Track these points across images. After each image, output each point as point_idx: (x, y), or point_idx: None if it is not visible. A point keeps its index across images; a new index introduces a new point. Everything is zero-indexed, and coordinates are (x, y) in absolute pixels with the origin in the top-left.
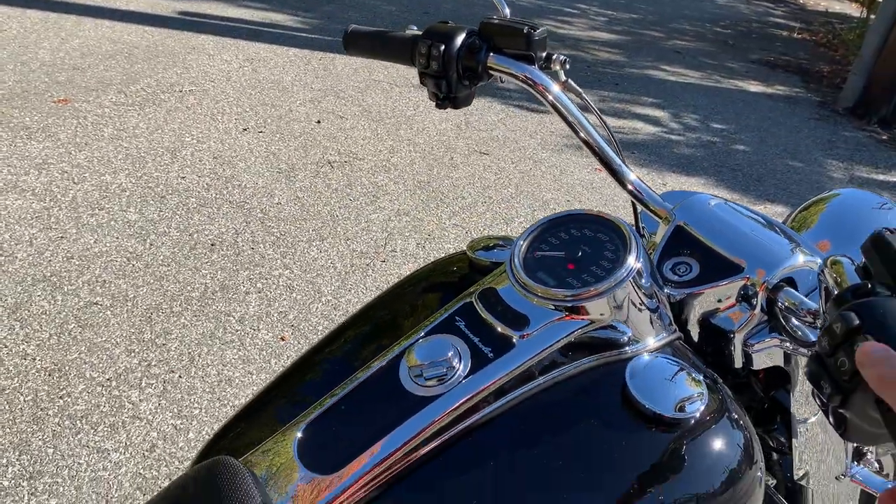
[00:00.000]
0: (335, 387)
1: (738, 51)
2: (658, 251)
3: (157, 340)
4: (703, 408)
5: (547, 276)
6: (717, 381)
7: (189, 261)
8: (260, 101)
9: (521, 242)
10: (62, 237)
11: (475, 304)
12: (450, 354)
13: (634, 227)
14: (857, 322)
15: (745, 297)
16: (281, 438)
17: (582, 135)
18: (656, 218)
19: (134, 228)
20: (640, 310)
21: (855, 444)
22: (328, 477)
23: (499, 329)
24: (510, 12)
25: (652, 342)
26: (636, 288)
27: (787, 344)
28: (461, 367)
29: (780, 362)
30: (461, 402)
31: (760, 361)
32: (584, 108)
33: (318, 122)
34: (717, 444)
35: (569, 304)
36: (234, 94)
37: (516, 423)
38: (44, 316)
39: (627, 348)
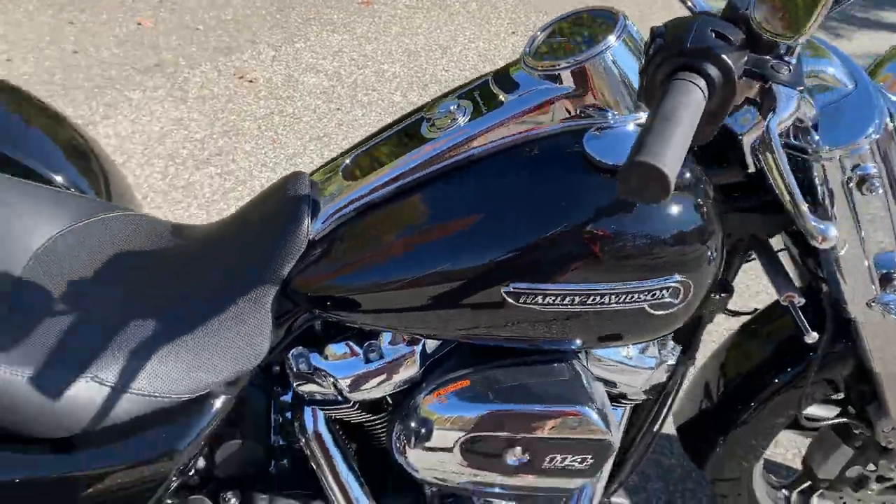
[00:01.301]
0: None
1: None
2: None
3: None
4: None
5: (545, 55)
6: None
7: None
8: (535, 7)
9: (540, 33)
10: (338, 109)
11: (490, 80)
12: (453, 108)
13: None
14: None
15: (753, 102)
16: (338, 162)
17: None
18: None
19: (396, 108)
20: (615, 85)
21: (882, 270)
22: (357, 182)
23: (499, 96)
24: None
25: (624, 115)
26: (614, 66)
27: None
28: (462, 120)
29: None
30: (453, 144)
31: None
32: None
33: None
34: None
35: (549, 73)
36: (513, 2)
37: (493, 162)
38: (311, 164)
39: (598, 118)
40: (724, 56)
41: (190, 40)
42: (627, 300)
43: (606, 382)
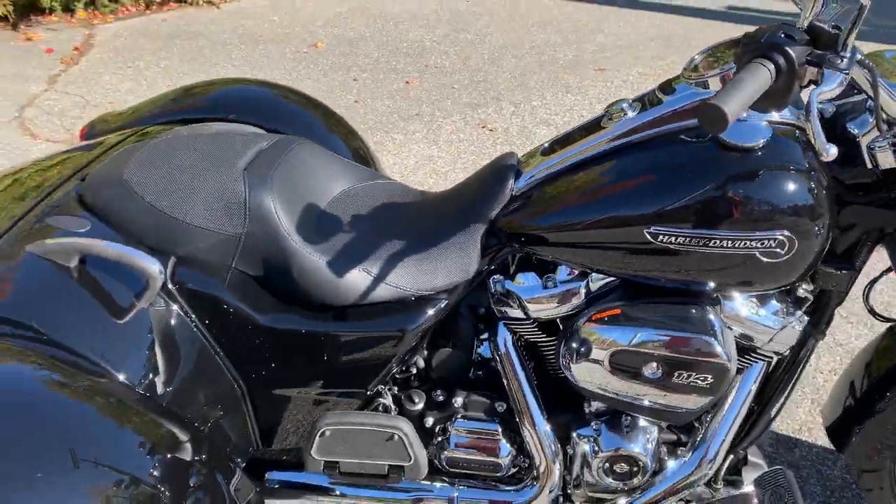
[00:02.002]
0: None
1: None
2: None
3: None
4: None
5: (697, 69)
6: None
7: None
8: None
9: (697, 55)
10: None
11: (656, 88)
12: (625, 107)
13: None
14: None
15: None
16: (539, 147)
17: None
18: None
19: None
20: None
21: None
22: (551, 157)
23: (661, 98)
24: None
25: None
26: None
27: None
28: (631, 114)
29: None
30: (624, 130)
31: (884, 161)
32: None
33: None
34: (784, 173)
35: (699, 81)
36: None
37: (652, 144)
38: None
39: None
40: (787, 48)
41: (446, 96)
42: (744, 245)
43: (738, 335)
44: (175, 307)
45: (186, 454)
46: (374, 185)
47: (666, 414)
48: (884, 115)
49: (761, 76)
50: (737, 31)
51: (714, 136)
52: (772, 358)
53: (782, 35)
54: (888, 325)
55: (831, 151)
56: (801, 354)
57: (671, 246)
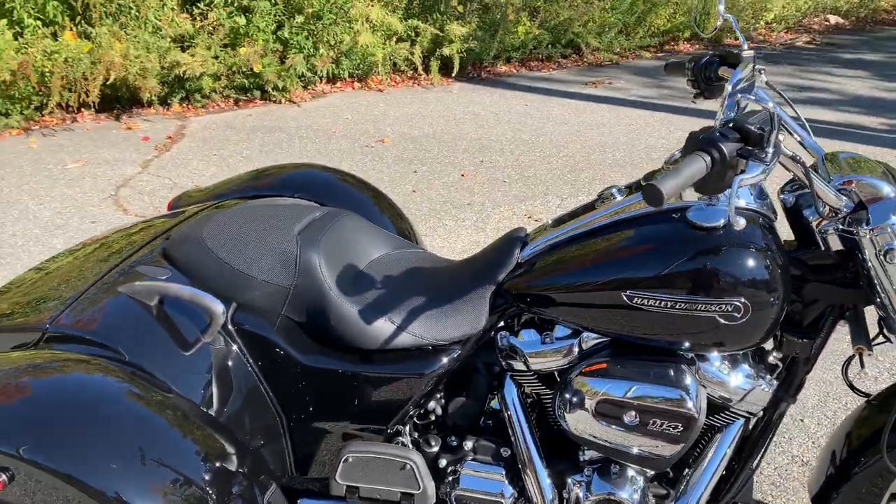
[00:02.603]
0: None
1: None
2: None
3: None
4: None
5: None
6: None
7: None
8: None
9: (677, 152)
10: None
11: (642, 178)
12: (615, 192)
13: None
14: None
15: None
16: (545, 223)
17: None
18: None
19: None
20: None
21: None
22: (552, 231)
23: (642, 183)
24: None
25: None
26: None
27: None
28: (619, 198)
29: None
30: (611, 210)
31: (833, 244)
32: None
33: None
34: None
35: None
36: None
37: (634, 222)
38: None
39: (694, 202)
40: (720, 144)
41: (497, 189)
42: (704, 309)
43: (712, 393)
44: (233, 346)
45: (232, 465)
46: (405, 253)
47: (645, 460)
48: (821, 204)
49: (697, 165)
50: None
51: (684, 217)
52: (747, 417)
53: (718, 133)
54: (865, 399)
55: (740, 222)
56: (774, 416)
57: (644, 307)
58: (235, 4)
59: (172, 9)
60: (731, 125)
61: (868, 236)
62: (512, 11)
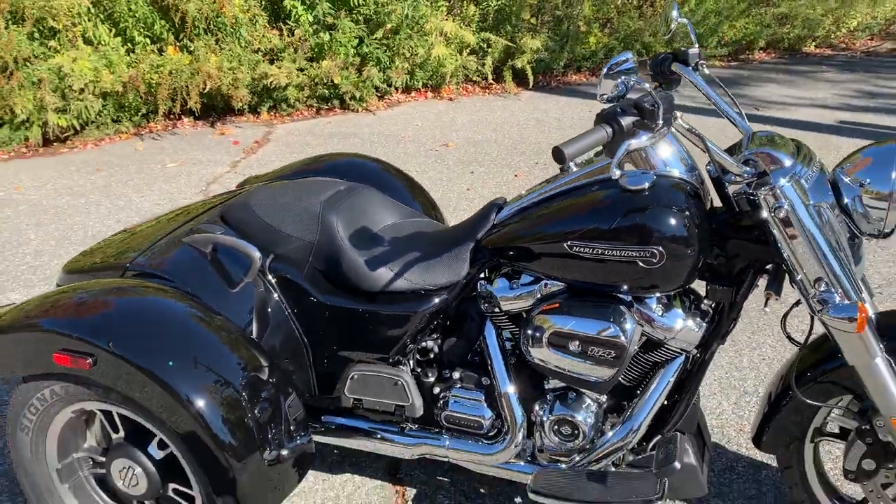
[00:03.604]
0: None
1: None
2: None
3: None
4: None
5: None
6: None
7: None
8: None
9: None
10: None
11: (593, 156)
12: (572, 165)
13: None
14: None
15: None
16: (521, 193)
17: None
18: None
19: None
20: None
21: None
22: (521, 199)
23: (593, 159)
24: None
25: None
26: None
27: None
28: (574, 169)
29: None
30: (567, 180)
31: (743, 206)
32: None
33: None
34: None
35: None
36: None
37: (583, 186)
38: None
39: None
40: (619, 118)
41: None
42: (628, 255)
43: (649, 331)
44: (270, 288)
45: (264, 376)
46: (413, 221)
47: (589, 383)
48: (719, 168)
49: (599, 134)
50: (845, 144)
51: (617, 181)
52: (684, 355)
53: (619, 109)
54: (798, 347)
55: (616, 173)
56: (706, 355)
57: (582, 255)
58: (321, 22)
59: (264, 26)
60: (632, 104)
61: (763, 196)
62: (584, 23)
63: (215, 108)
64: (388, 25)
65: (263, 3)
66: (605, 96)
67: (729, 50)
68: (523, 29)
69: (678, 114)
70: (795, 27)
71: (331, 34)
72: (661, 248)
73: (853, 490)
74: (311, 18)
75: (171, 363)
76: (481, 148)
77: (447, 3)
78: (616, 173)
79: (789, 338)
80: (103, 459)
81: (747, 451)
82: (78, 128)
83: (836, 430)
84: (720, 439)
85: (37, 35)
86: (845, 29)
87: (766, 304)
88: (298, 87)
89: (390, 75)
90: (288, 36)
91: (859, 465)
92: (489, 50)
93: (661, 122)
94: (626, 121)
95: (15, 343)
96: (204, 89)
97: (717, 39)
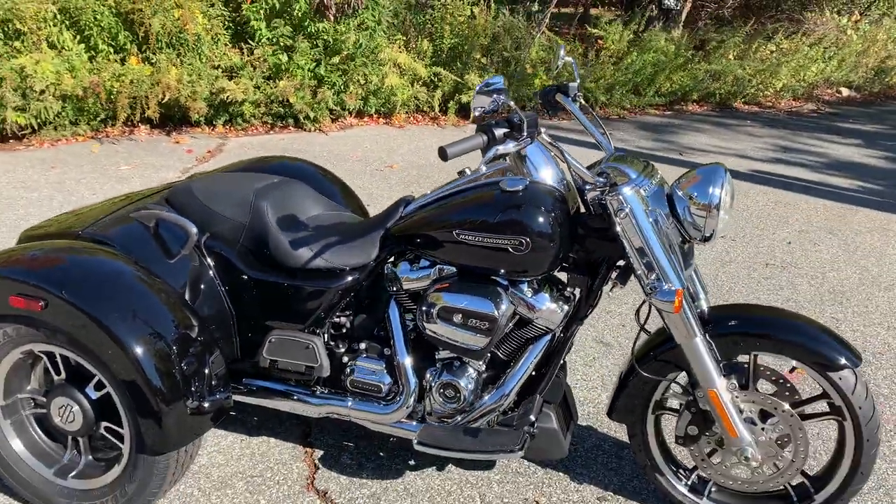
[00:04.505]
0: None
1: None
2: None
3: None
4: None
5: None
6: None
7: None
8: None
9: None
10: None
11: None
12: (466, 170)
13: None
14: None
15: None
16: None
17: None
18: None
19: None
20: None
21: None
22: (425, 196)
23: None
24: (566, 61)
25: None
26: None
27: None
28: (469, 173)
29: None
30: (463, 182)
31: (595, 210)
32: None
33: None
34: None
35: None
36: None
37: (474, 188)
38: None
39: (507, 176)
40: (492, 129)
41: None
42: (502, 243)
43: (521, 310)
44: (204, 261)
45: (193, 334)
46: (335, 213)
47: (467, 351)
48: (575, 176)
49: (476, 140)
50: (753, 189)
51: (498, 183)
52: (549, 333)
53: (493, 122)
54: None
55: (482, 170)
56: (568, 334)
57: (466, 242)
58: (280, 43)
59: (225, 44)
60: (504, 119)
61: (608, 201)
62: (530, 66)
63: (172, 119)
64: (345, 52)
65: (226, 22)
66: (480, 109)
67: (665, 100)
68: (474, 67)
69: (542, 129)
70: (726, 84)
71: (289, 56)
72: (527, 238)
73: (689, 460)
74: (270, 36)
75: (115, 313)
76: (423, 171)
77: (404, 38)
78: (482, 168)
79: (643, 328)
80: (44, 400)
81: (616, 432)
82: (36, 127)
83: (676, 407)
84: (593, 423)
85: (1, 35)
86: (772, 89)
87: (611, 290)
88: (254, 104)
89: (344, 99)
90: (248, 55)
91: (685, 431)
92: (439, 83)
93: (525, 134)
94: (499, 131)
95: None
96: (163, 99)
97: (655, 90)
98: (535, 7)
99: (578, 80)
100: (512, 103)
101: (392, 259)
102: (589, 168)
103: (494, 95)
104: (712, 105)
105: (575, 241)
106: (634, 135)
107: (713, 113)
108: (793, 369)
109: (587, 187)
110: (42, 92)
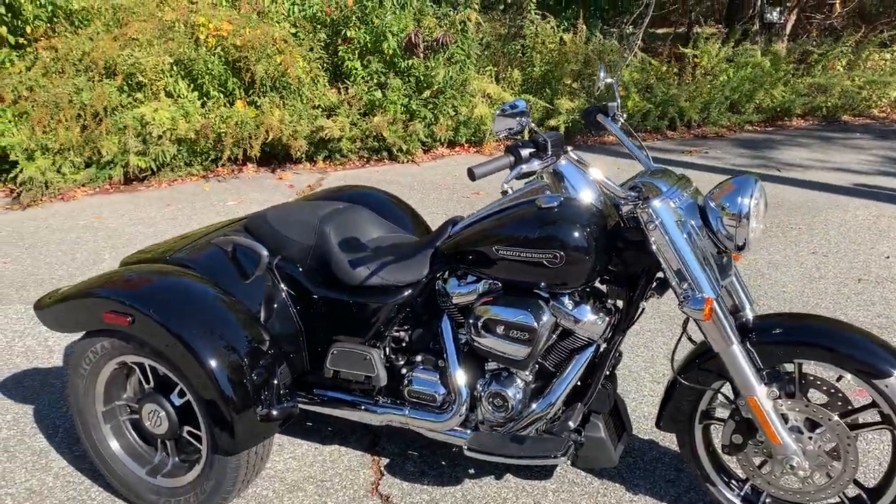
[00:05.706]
0: None
1: None
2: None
3: None
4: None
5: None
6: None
7: None
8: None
9: None
10: None
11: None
12: (507, 189)
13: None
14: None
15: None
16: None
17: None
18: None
19: None
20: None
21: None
22: (472, 215)
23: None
24: (608, 82)
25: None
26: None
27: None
28: (510, 192)
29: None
30: (504, 201)
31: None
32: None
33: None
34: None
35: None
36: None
37: (516, 205)
38: None
39: (544, 193)
40: (518, 149)
41: None
42: (537, 257)
43: (563, 322)
44: (276, 282)
45: (264, 348)
46: (395, 236)
47: (512, 361)
48: (612, 193)
49: (504, 160)
50: (853, 203)
51: (535, 201)
52: (593, 344)
53: (521, 143)
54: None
55: (513, 186)
56: (611, 345)
57: (506, 257)
58: (374, 81)
59: (324, 85)
60: (531, 140)
61: (638, 213)
62: (622, 88)
63: (276, 156)
64: (435, 87)
65: (325, 64)
66: (505, 131)
67: (765, 116)
68: (564, 92)
69: (569, 148)
70: (832, 96)
71: (383, 92)
72: (561, 252)
73: (741, 470)
74: (364, 74)
75: (193, 328)
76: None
77: (495, 69)
78: (504, 187)
79: (689, 338)
80: (137, 407)
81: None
82: (154, 169)
83: (723, 417)
84: (655, 437)
85: (125, 87)
86: (886, 99)
87: (647, 299)
88: (351, 139)
89: (434, 130)
90: (344, 94)
91: (731, 439)
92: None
93: (549, 153)
94: (525, 151)
95: (77, 307)
96: (266, 139)
97: (754, 106)
98: (629, 29)
99: (619, 101)
100: (533, 125)
101: (442, 275)
102: (623, 184)
103: (518, 118)
104: (818, 119)
105: (613, 254)
106: (730, 153)
107: (818, 127)
108: (839, 378)
109: (620, 202)
110: (160, 137)
